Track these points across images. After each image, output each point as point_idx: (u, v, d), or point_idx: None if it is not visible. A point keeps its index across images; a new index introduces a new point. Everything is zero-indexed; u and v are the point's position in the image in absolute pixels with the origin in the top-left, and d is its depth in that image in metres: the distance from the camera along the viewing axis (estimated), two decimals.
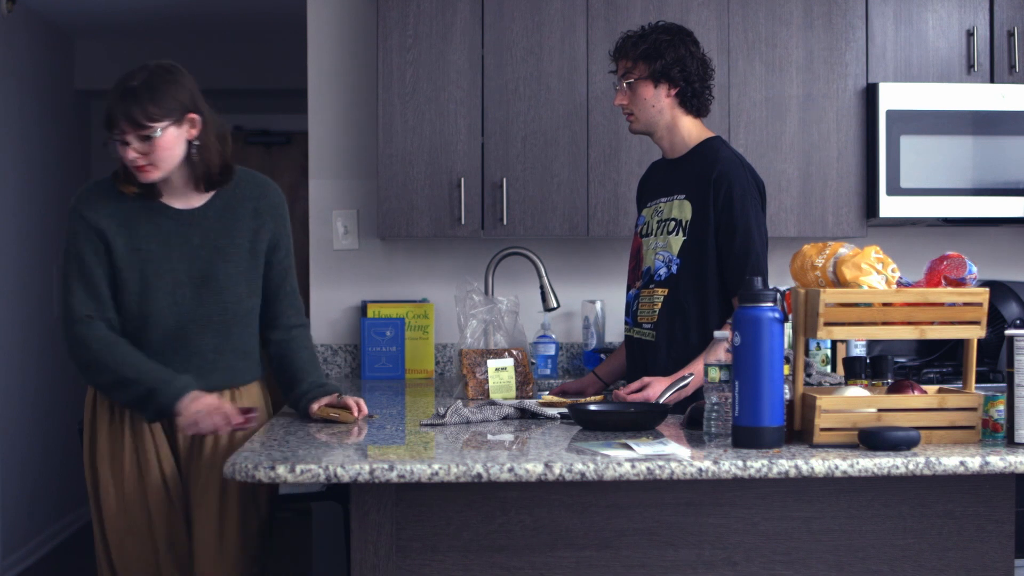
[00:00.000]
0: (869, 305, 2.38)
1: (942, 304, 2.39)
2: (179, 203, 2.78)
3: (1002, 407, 2.38)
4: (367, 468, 2.14)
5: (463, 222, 3.83)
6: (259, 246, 2.84)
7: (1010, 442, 2.35)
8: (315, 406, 2.79)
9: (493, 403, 2.87)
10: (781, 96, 3.90)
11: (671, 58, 3.02)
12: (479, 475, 2.15)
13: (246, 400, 2.87)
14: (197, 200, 2.80)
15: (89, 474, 2.84)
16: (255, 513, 2.86)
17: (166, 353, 2.76)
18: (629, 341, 3.20)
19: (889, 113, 3.84)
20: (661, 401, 2.76)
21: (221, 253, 2.80)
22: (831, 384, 2.97)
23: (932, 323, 2.40)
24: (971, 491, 2.39)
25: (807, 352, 3.52)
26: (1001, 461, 2.23)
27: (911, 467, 2.21)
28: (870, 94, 3.89)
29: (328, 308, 4.20)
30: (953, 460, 2.22)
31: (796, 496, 2.36)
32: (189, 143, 2.72)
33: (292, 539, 5.65)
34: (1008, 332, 2.36)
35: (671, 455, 2.22)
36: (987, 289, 2.42)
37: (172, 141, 2.67)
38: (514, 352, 3.27)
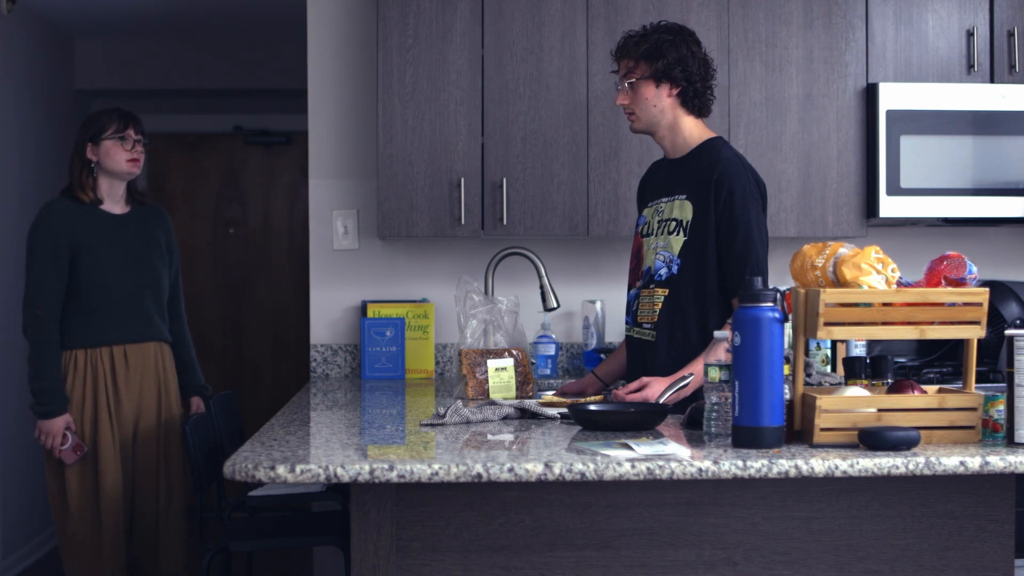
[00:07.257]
0: (869, 305, 2.38)
1: (942, 304, 2.39)
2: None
3: (1002, 407, 2.38)
4: (367, 468, 2.14)
5: (463, 222, 3.83)
6: None
7: (1010, 442, 2.35)
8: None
9: (493, 403, 2.87)
10: (781, 96, 3.90)
11: (673, 58, 3.01)
12: (479, 475, 2.15)
13: None
14: None
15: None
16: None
17: None
18: (629, 341, 3.19)
19: (889, 113, 3.84)
20: (661, 401, 2.76)
21: None
22: (831, 384, 2.96)
23: (932, 323, 2.40)
24: (971, 491, 2.39)
25: (807, 352, 3.51)
26: (1001, 461, 2.23)
27: (911, 467, 2.21)
28: (870, 94, 3.89)
29: (328, 308, 4.20)
30: (953, 460, 2.22)
31: (796, 496, 2.36)
32: None
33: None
34: (1008, 332, 2.36)
35: (671, 455, 2.22)
36: (987, 289, 2.42)
37: None
38: (514, 352, 3.26)
